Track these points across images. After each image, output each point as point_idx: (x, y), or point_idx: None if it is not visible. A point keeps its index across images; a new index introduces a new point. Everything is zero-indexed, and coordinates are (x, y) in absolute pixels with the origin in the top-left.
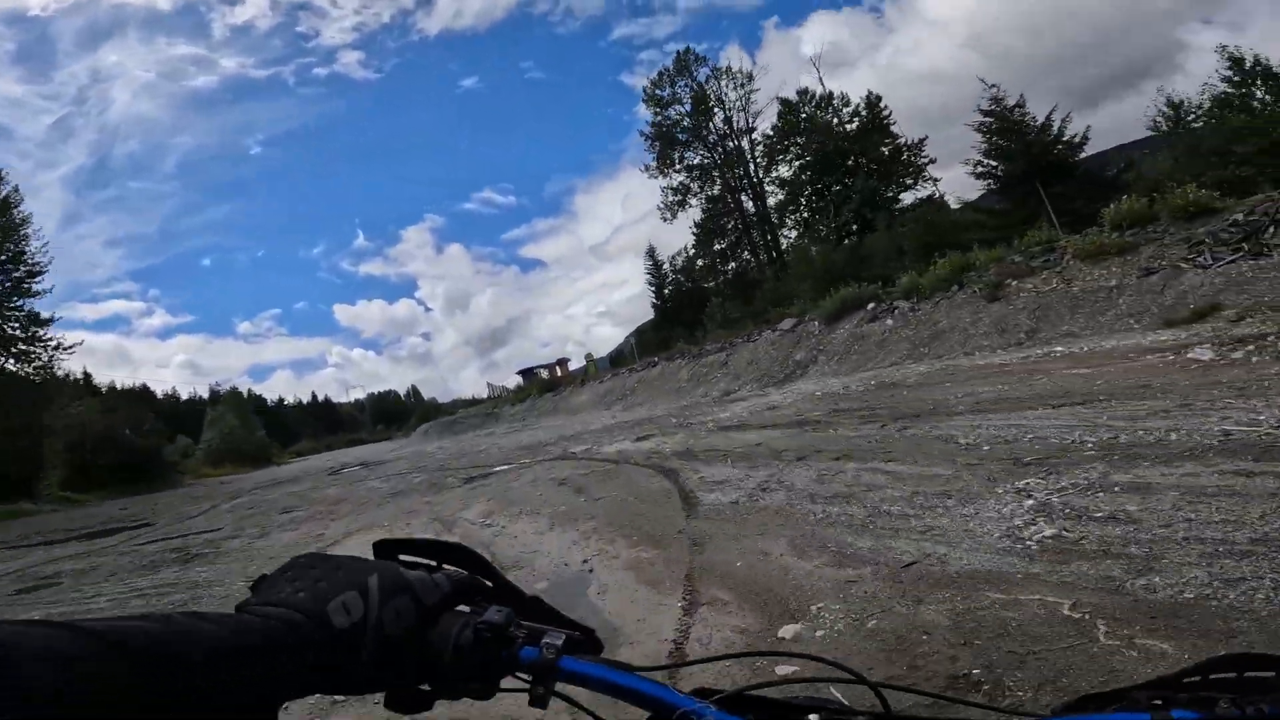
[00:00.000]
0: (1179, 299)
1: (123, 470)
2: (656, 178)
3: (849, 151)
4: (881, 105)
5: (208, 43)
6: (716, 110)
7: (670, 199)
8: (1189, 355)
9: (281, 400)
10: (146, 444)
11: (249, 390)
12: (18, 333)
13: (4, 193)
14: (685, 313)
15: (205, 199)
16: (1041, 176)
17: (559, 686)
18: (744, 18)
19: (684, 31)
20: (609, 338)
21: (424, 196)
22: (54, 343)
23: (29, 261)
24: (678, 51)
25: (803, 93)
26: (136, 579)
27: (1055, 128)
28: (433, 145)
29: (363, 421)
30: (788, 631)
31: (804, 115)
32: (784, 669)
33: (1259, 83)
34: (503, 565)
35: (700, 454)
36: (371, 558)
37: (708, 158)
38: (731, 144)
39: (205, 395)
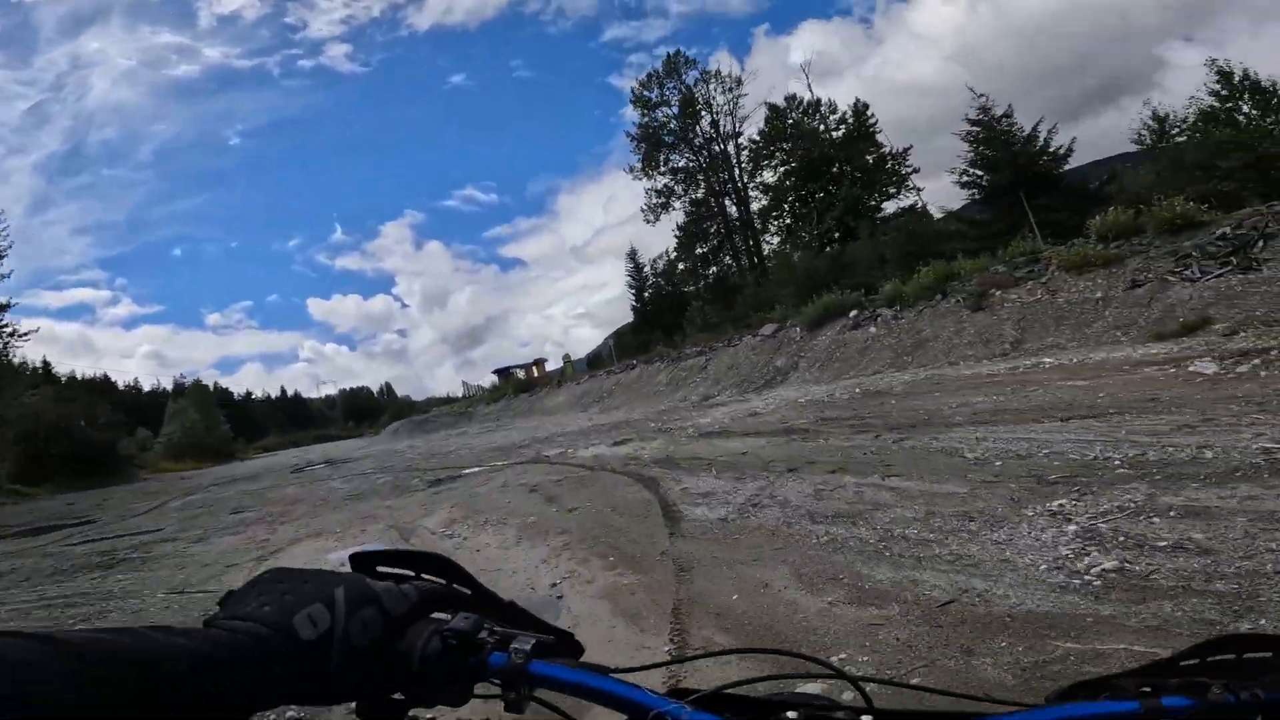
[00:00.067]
0: (1167, 312)
1: (76, 462)
2: (641, 179)
3: (834, 158)
4: (868, 113)
5: (193, 32)
6: (704, 114)
7: (654, 201)
8: (1190, 369)
9: (249, 394)
10: (102, 436)
11: (215, 383)
12: None
13: None
14: (665, 316)
15: (179, 188)
16: (1026, 187)
17: (541, 692)
18: (735, 24)
19: (674, 36)
20: (588, 339)
21: (405, 192)
22: (9, 329)
23: None
24: (668, 54)
25: (790, 98)
26: (49, 586)
27: (1041, 139)
28: (417, 141)
29: (333, 418)
30: (812, 689)
31: (791, 121)
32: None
33: (1246, 97)
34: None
35: (682, 462)
36: (347, 570)
37: (693, 161)
38: (717, 148)
39: (169, 387)
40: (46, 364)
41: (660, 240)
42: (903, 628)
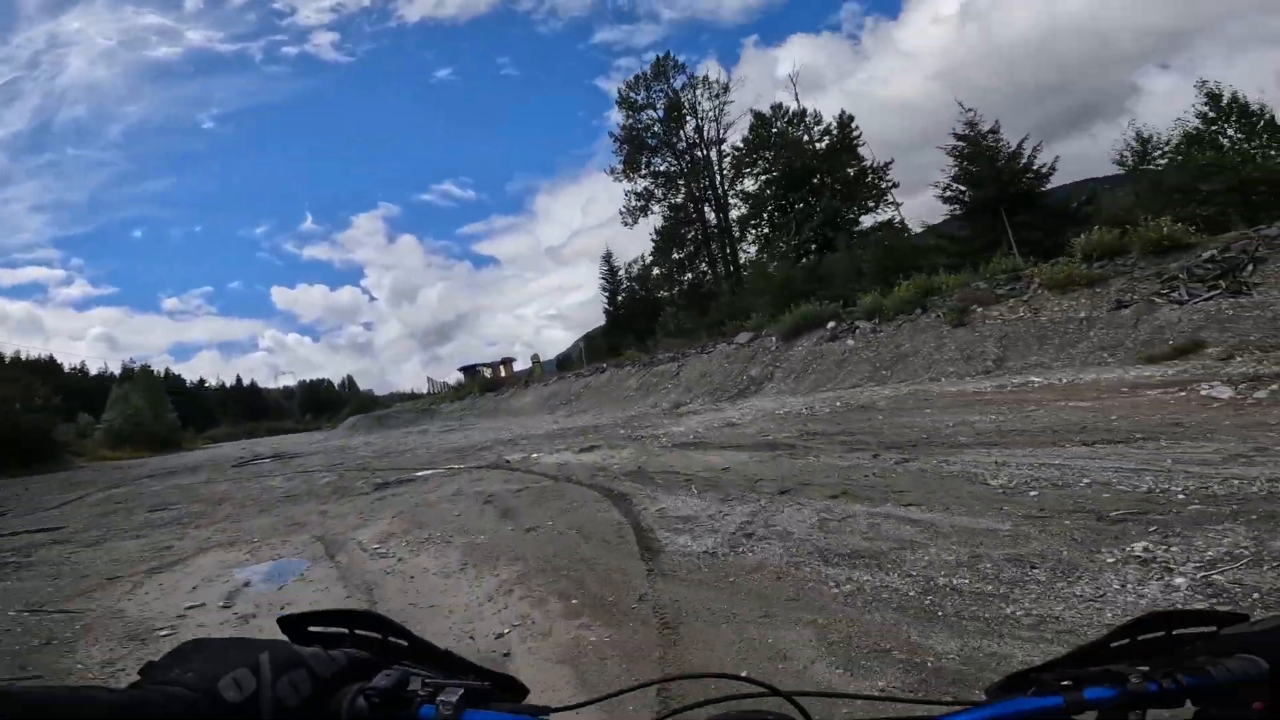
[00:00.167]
0: (1156, 334)
1: (6, 447)
2: (621, 181)
3: (816, 169)
4: (853, 125)
5: (178, 14)
6: (689, 118)
7: (633, 204)
8: (1202, 393)
9: (203, 382)
10: (33, 421)
11: (166, 369)
12: None
13: None
14: (638, 321)
15: (146, 170)
16: (1007, 205)
17: None
18: (725, 33)
19: (664, 41)
20: (558, 341)
21: (381, 184)
22: None
23: None
24: (657, 56)
25: (776, 107)
26: None
27: (1026, 156)
28: (397, 133)
29: (290, 410)
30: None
31: (775, 130)
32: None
33: (1233, 119)
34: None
35: (656, 476)
36: (271, 630)
37: (675, 165)
38: (700, 153)
39: (118, 372)
40: None
41: (637, 245)
42: None
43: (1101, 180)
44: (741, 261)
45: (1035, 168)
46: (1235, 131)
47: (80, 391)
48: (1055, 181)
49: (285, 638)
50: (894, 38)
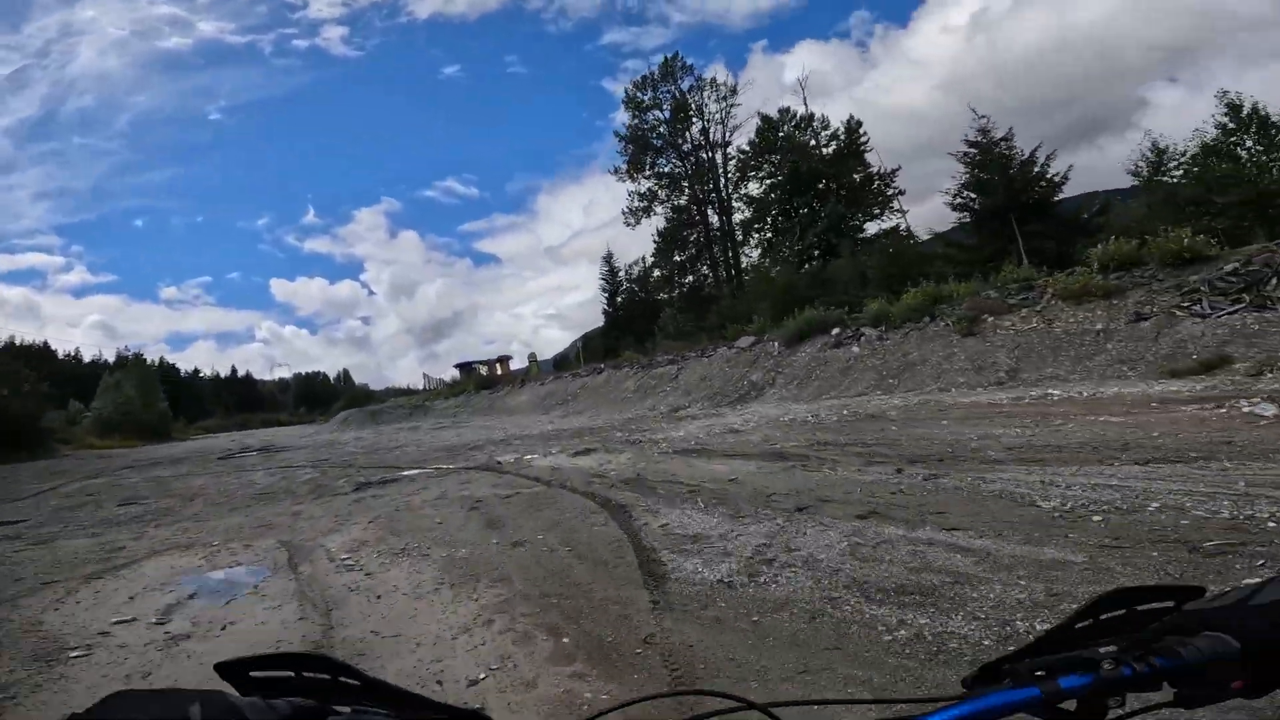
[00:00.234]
0: (1178, 347)
1: None
2: (625, 181)
3: (822, 174)
4: (860, 131)
5: (190, 5)
6: (695, 120)
7: (636, 204)
8: (1244, 410)
9: (197, 372)
10: (20, 407)
11: (161, 358)
12: None
13: None
14: (637, 322)
15: (151, 160)
16: (1018, 213)
17: None
18: (734, 38)
19: (672, 44)
20: (556, 341)
21: (385, 179)
22: None
23: None
24: (665, 57)
25: (784, 111)
26: None
27: (1039, 165)
28: (402, 129)
29: (284, 402)
30: None
31: (782, 134)
32: None
33: (1253, 130)
34: (339, 656)
35: (657, 485)
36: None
37: (679, 167)
38: (705, 156)
39: (112, 359)
40: None
41: (638, 246)
42: None
43: (1109, 192)
44: (743, 266)
45: (1049, 176)
46: (1254, 143)
47: (74, 379)
48: (1063, 192)
49: (225, 684)
50: (903, 46)
